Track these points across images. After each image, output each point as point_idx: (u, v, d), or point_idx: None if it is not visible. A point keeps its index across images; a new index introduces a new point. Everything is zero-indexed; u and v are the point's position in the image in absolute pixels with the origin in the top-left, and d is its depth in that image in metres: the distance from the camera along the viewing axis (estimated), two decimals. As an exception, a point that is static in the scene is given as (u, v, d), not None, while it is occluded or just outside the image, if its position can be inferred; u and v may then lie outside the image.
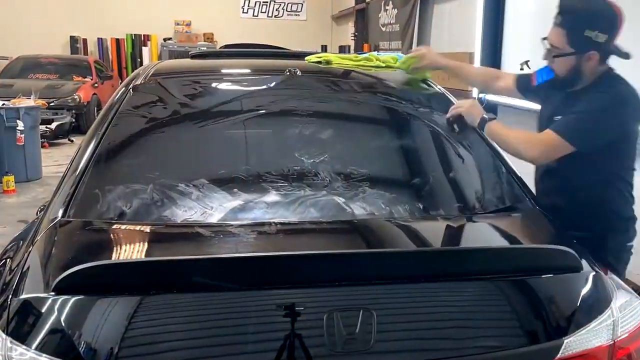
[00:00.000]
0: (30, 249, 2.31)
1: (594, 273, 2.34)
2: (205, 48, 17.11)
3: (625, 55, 3.07)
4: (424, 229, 2.63)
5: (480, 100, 8.62)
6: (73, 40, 19.88)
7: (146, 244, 2.42)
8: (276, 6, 21.70)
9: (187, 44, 19.64)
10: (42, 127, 11.80)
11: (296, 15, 21.79)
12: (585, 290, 2.26)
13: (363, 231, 2.58)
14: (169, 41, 20.23)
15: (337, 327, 1.94)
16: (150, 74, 3.44)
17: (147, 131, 3.05)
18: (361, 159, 2.96)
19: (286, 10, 21.73)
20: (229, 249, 2.35)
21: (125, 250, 2.32)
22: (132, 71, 5.46)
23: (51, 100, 14.31)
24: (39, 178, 10.32)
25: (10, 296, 2.00)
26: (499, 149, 3.17)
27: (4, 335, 1.88)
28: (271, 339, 1.96)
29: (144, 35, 20.47)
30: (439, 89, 3.62)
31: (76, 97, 15.64)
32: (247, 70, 3.83)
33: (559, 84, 3.20)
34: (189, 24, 20.93)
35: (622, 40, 3.09)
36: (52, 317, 1.90)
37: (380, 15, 14.72)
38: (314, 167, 2.77)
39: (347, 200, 2.63)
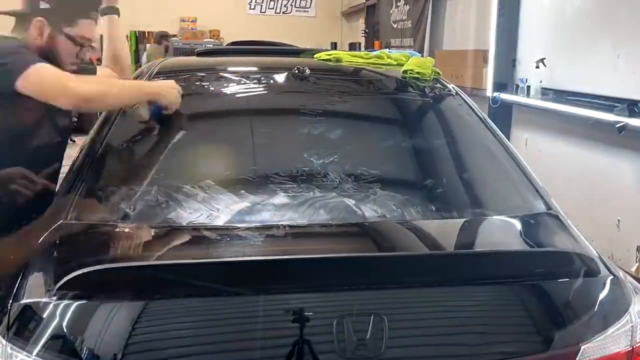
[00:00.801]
0: (31, 253, 2.31)
1: (611, 277, 2.33)
2: (211, 45, 17.11)
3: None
4: (436, 232, 2.63)
5: (495, 99, 8.62)
6: (75, 37, 19.90)
7: (150, 247, 2.42)
8: (284, 2, 21.65)
9: (192, 41, 19.62)
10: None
11: (305, 11, 21.74)
12: (602, 294, 2.26)
13: (374, 234, 2.58)
14: (174, 38, 20.22)
15: (347, 333, 1.94)
16: (154, 72, 3.45)
17: (150, 131, 3.05)
18: (372, 159, 2.96)
19: (294, 7, 21.68)
20: (236, 253, 2.35)
21: (128, 254, 2.32)
22: (136, 69, 5.46)
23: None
24: (40, 179, 10.30)
25: (10, 301, 2.01)
26: (514, 150, 3.16)
27: (4, 341, 1.89)
28: (279, 345, 1.96)
29: (148, 32, 20.46)
30: (452, 87, 3.62)
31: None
32: (254, 69, 3.83)
33: None
34: (194, 21, 20.92)
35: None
36: (53, 323, 1.91)
37: (391, 11, 14.69)
38: (324, 168, 2.77)
39: (357, 202, 2.62)
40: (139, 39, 20.45)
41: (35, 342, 1.88)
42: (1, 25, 3.04)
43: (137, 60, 19.66)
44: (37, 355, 1.86)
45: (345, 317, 1.97)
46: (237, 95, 3.39)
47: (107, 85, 2.96)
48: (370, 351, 1.95)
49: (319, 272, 2.08)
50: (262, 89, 3.39)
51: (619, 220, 6.41)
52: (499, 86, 8.69)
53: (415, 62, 3.70)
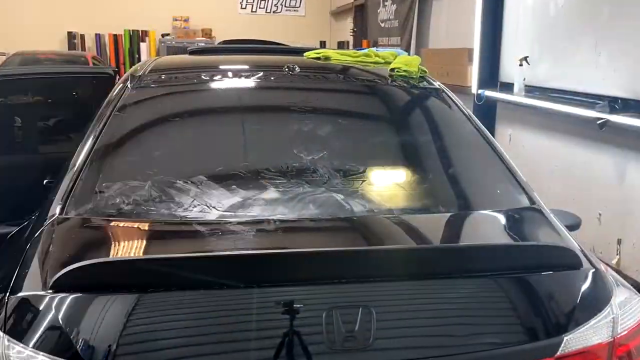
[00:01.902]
0: (28, 247, 2.31)
1: (593, 270, 2.34)
2: (203, 44, 17.08)
3: None
4: (422, 226, 2.63)
5: (480, 96, 8.64)
6: (70, 35, 19.82)
7: (145, 241, 2.42)
8: (274, 1, 21.65)
9: (185, 39, 19.60)
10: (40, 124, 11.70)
11: (295, 10, 21.74)
12: (584, 287, 2.26)
13: (362, 228, 2.57)
14: (167, 37, 20.19)
15: (336, 325, 1.94)
16: (148, 71, 3.44)
17: (145, 128, 3.05)
18: (360, 155, 2.96)
19: (284, 6, 21.67)
20: (228, 246, 2.34)
21: (123, 248, 2.32)
22: (130, 67, 5.46)
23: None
24: (37, 176, 10.23)
25: (7, 294, 2.00)
26: (498, 146, 3.16)
27: (1, 334, 1.88)
28: (269, 337, 1.95)
29: (142, 31, 20.42)
30: (438, 85, 3.61)
31: (74, 93, 15.59)
32: (246, 67, 3.82)
33: None
34: (187, 20, 20.90)
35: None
36: (50, 315, 1.90)
37: (379, 10, 14.71)
38: (313, 164, 2.77)
39: (345, 197, 2.63)
40: (132, 38, 20.34)
41: (32, 334, 1.87)
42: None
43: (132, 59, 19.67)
44: (33, 347, 1.85)
45: (335, 310, 1.97)
46: (228, 93, 3.39)
47: None
48: (358, 342, 1.95)
49: (309, 265, 2.07)
50: (252, 86, 3.38)
51: (600, 214, 6.44)
52: (484, 83, 8.72)
53: (402, 60, 3.70)
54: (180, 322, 1.97)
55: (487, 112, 8.61)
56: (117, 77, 4.08)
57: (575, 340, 2.09)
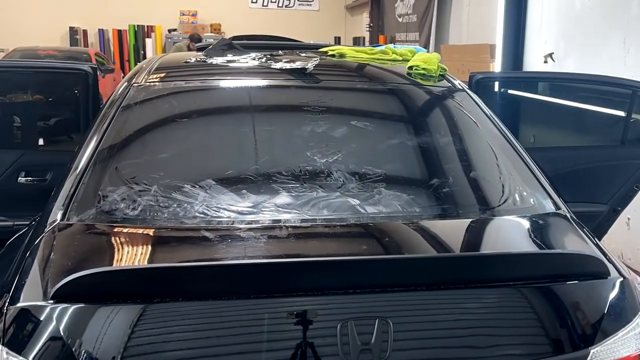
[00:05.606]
0: (27, 254, 2.31)
1: (621, 279, 2.32)
2: (212, 40, 17.09)
3: None
4: (443, 233, 2.62)
5: (502, 94, 8.60)
6: (72, 31, 19.88)
7: (150, 248, 2.41)
8: (287, -5, 21.70)
9: (192, 35, 19.62)
10: (40, 124, 11.75)
11: (308, 5, 21.75)
12: (612, 297, 2.25)
13: (379, 235, 2.57)
14: (174, 32, 20.22)
15: (351, 337, 1.94)
16: (154, 69, 3.44)
17: (150, 129, 3.05)
18: (377, 158, 2.95)
19: (297, 0, 21.70)
20: (237, 254, 2.34)
21: (128, 256, 2.32)
22: (135, 64, 5.46)
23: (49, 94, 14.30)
24: (37, 178, 10.27)
25: (7, 304, 2.00)
26: (522, 147, 3.14)
27: (0, 346, 1.89)
28: (281, 349, 1.96)
29: (147, 26, 20.47)
30: (459, 83, 3.60)
31: (76, 91, 15.62)
32: (256, 64, 3.81)
33: None
34: (194, 15, 20.94)
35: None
36: (50, 327, 1.91)
37: (396, 5, 14.70)
38: (327, 167, 2.76)
39: (361, 201, 2.62)
40: (137, 33, 20.40)
41: (32, 346, 1.88)
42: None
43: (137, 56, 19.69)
44: (33, 359, 1.86)
45: (350, 321, 1.97)
46: (237, 92, 3.38)
47: None
48: (375, 355, 1.95)
49: (323, 274, 2.07)
50: (263, 85, 3.38)
51: (628, 219, 6.41)
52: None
53: (421, 58, 3.69)
54: (187, 334, 1.97)
55: (510, 110, 8.58)
56: (116, 74, 4.05)
57: (602, 353, 2.09)
